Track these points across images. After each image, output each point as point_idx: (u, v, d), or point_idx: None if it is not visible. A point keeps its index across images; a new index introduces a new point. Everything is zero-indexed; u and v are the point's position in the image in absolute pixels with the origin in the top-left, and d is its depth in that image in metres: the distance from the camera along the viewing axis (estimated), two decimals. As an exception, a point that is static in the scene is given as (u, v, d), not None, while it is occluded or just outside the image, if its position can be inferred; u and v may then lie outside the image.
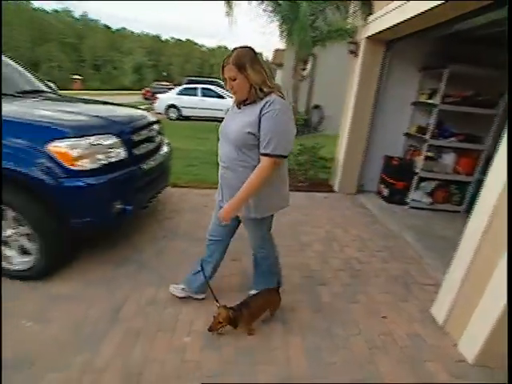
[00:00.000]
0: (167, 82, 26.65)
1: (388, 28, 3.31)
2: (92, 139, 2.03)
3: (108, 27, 69.19)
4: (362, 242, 3.13)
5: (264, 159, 1.50)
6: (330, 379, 1.62)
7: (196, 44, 78.79)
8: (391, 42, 3.85)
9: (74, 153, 1.94)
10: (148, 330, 1.82)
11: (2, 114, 2.04)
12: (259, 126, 1.48)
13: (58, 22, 58.78)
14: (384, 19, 3.38)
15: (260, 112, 1.47)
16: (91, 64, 55.81)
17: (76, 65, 52.33)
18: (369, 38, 3.87)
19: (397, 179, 4.17)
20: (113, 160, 2.14)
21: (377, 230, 3.47)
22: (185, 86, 13.34)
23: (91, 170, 2.00)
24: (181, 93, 12.61)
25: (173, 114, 12.42)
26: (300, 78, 5.39)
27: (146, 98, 19.75)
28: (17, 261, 2.18)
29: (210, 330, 1.73)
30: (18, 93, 2.65)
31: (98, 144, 2.06)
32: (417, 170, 3.95)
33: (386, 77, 4.10)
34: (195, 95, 12.46)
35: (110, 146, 2.14)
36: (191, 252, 2.63)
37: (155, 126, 2.91)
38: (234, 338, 1.82)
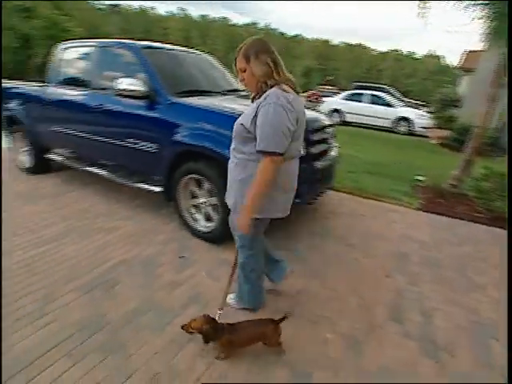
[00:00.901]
0: (330, 85, 27.04)
1: None
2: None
3: (283, 34, 75.88)
4: None
5: (262, 159, 1.44)
6: None
7: (366, 48, 75.74)
8: None
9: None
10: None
11: (213, 106, 2.58)
12: (254, 120, 1.43)
13: (246, 33, 69.21)
14: None
15: (257, 106, 1.43)
16: (265, 68, 63.01)
17: (254, 68, 60.21)
18: None
19: None
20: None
21: None
22: (352, 91, 13.21)
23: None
24: (347, 98, 12.56)
25: (335, 118, 12.56)
26: (499, 86, 4.43)
27: (309, 101, 20.63)
28: (201, 224, 2.74)
29: (182, 327, 1.61)
30: (223, 91, 3.29)
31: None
32: None
33: None
34: (361, 101, 12.19)
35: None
36: (342, 255, 2.69)
37: (330, 129, 3.04)
38: (346, 344, 1.74)
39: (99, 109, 3.09)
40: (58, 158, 3.85)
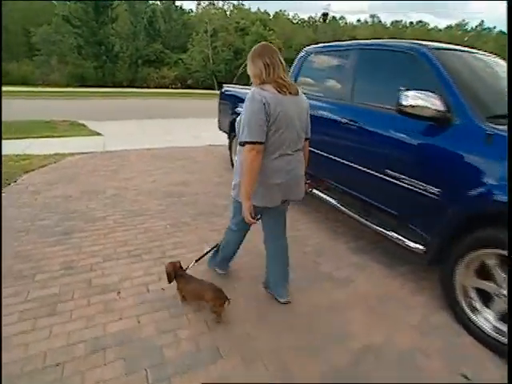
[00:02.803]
0: None
1: None
2: None
3: (504, 33, 61.13)
4: None
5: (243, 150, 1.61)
6: None
7: None
8: None
9: None
10: None
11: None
12: None
13: (446, 37, 59.93)
14: None
15: None
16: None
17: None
18: None
19: None
20: None
21: None
22: None
23: None
24: None
25: None
26: None
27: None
28: (486, 320, 1.74)
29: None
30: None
31: None
32: None
33: None
34: None
35: None
36: None
37: None
38: None
39: (353, 125, 2.50)
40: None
